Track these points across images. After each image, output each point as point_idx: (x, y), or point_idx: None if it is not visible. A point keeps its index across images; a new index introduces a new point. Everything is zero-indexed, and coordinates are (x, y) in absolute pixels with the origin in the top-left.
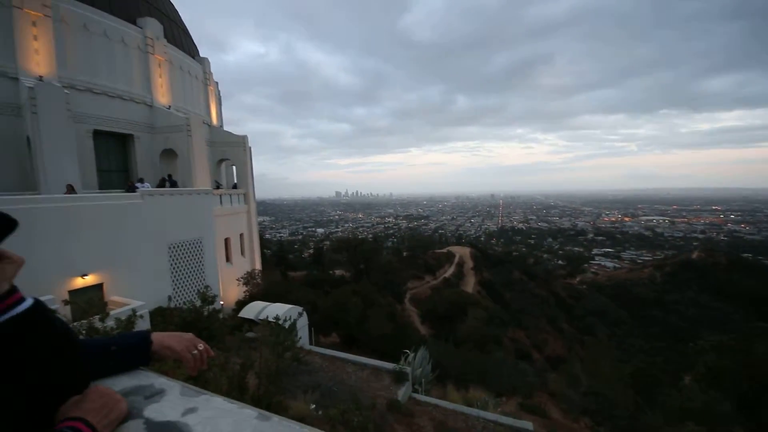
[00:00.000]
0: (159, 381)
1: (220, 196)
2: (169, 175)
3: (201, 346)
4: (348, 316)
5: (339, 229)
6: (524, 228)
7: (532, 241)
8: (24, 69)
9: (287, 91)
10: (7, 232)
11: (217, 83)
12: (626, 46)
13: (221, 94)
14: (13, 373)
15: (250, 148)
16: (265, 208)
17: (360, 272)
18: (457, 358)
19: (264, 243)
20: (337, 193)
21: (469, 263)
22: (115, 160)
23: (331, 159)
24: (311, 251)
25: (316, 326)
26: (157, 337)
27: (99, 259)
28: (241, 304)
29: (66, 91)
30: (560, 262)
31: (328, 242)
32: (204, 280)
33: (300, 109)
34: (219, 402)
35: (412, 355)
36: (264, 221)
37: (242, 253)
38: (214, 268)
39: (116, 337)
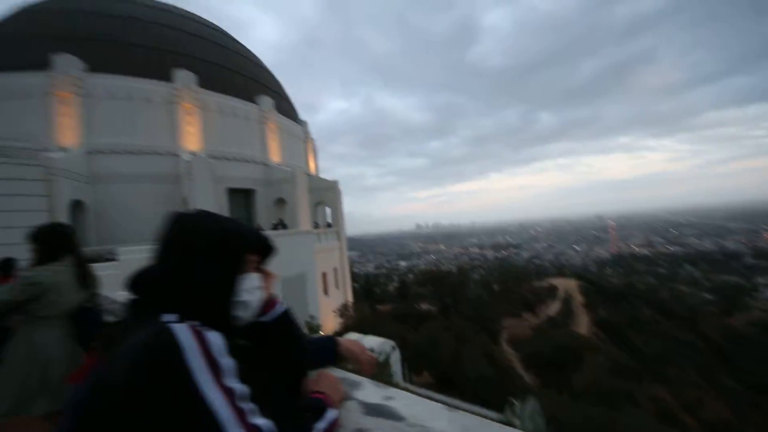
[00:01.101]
0: (350, 375)
1: (318, 234)
2: (281, 220)
3: (370, 353)
4: (440, 353)
5: (421, 262)
6: (649, 253)
7: (663, 270)
8: (182, 147)
9: (367, 136)
10: (271, 255)
11: (313, 139)
12: (754, 24)
13: (316, 147)
14: (285, 352)
15: (340, 190)
16: (351, 243)
17: (446, 306)
18: (578, 414)
19: (353, 277)
20: (418, 226)
21: (578, 298)
22: (242, 210)
23: (409, 193)
24: (396, 284)
25: (406, 362)
26: (340, 340)
27: None
28: (337, 335)
29: (210, 160)
30: (709, 295)
31: (411, 275)
32: (308, 310)
33: (379, 151)
34: (407, 394)
35: (519, 405)
36: (351, 256)
37: (336, 286)
38: (316, 300)
39: (310, 338)
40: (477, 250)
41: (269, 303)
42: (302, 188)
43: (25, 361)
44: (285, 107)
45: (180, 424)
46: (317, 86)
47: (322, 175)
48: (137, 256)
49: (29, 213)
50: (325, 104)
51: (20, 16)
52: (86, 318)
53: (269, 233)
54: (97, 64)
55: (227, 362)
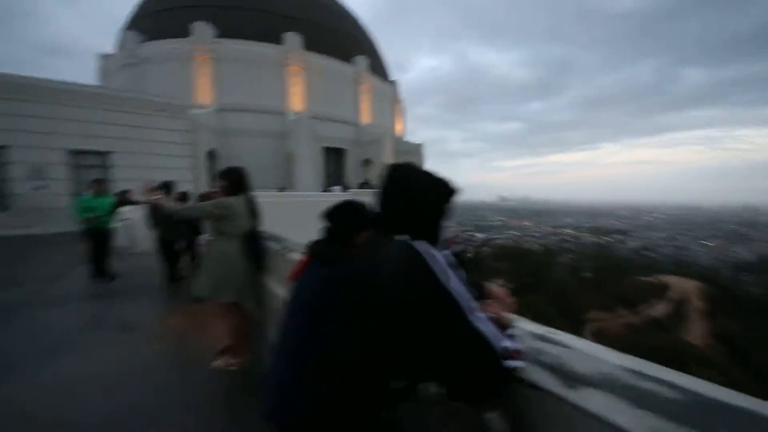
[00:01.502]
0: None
1: None
2: (367, 180)
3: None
4: None
5: (501, 236)
6: None
7: None
8: (288, 108)
9: (455, 97)
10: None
11: (402, 100)
12: None
13: (404, 108)
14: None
15: (423, 154)
16: None
17: (526, 286)
18: None
19: None
20: (502, 198)
21: (696, 303)
22: (334, 168)
23: (495, 161)
24: (470, 255)
25: None
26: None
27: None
28: None
29: (311, 120)
30: None
31: (488, 248)
32: None
33: (466, 114)
34: (564, 333)
35: None
36: None
37: None
38: None
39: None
40: (571, 232)
41: (451, 241)
42: (388, 150)
43: (218, 263)
44: (378, 67)
45: (433, 309)
46: (408, 43)
47: (407, 138)
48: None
49: (178, 158)
50: (413, 62)
51: None
52: (253, 239)
53: (356, 191)
54: (225, 30)
55: (452, 269)
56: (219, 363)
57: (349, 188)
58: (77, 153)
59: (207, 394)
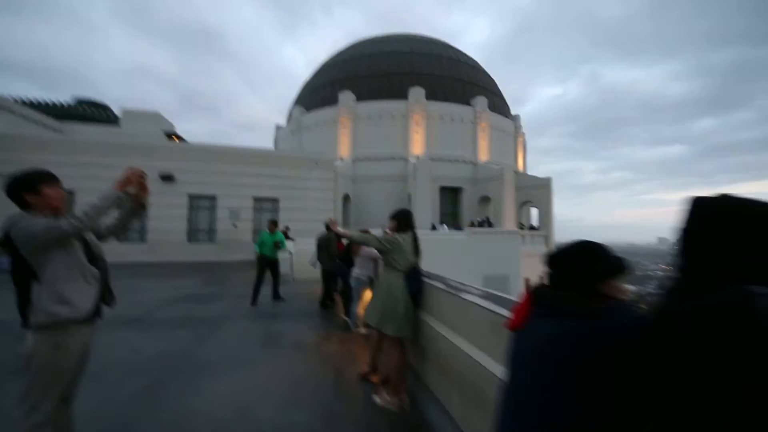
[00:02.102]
0: None
1: (523, 236)
2: (487, 218)
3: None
4: None
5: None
6: None
7: None
8: (410, 152)
9: (586, 123)
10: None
11: (524, 134)
12: None
13: (526, 142)
14: None
15: (552, 189)
16: None
17: None
18: None
19: None
20: (662, 240)
21: None
22: (449, 207)
23: (649, 194)
24: None
25: None
26: None
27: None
28: None
29: (430, 162)
30: None
31: (643, 306)
32: None
33: (603, 140)
34: None
35: None
36: None
37: None
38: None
39: None
40: None
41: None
42: (509, 186)
43: (384, 294)
44: (498, 104)
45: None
46: (526, 76)
47: (529, 173)
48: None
49: (325, 201)
50: (532, 94)
51: (321, 69)
52: (414, 275)
53: (473, 230)
54: (363, 94)
55: None
56: (379, 400)
57: (461, 227)
58: (258, 200)
59: (371, 427)
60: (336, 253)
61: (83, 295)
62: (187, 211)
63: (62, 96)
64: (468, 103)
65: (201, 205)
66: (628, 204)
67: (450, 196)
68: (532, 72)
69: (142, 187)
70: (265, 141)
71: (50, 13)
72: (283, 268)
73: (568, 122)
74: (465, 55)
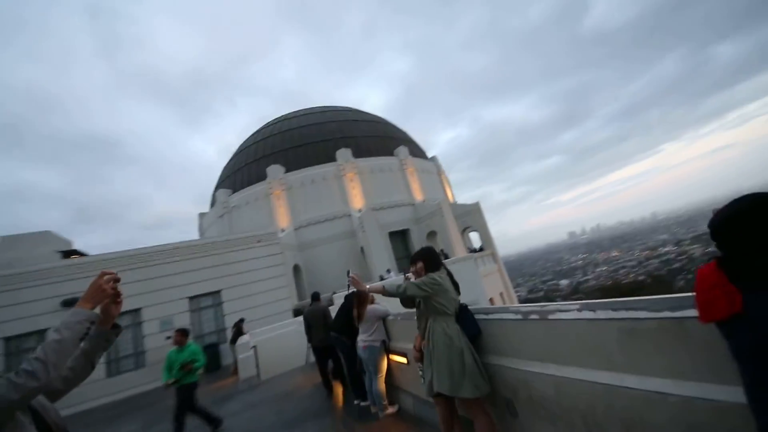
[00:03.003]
0: None
1: (475, 259)
2: (442, 250)
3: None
4: None
5: (590, 277)
6: None
7: None
8: (351, 207)
9: (483, 155)
10: None
11: (444, 171)
12: None
13: (448, 178)
14: None
15: (482, 210)
16: None
17: None
18: None
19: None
20: (571, 234)
21: None
22: (400, 249)
23: (549, 199)
24: None
25: None
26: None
27: None
28: None
29: (373, 212)
30: None
31: (582, 295)
32: None
33: (499, 165)
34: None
35: None
36: None
37: None
38: None
39: None
40: (673, 248)
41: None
42: (449, 217)
43: (445, 348)
44: (415, 150)
45: None
46: (424, 128)
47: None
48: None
49: (275, 278)
50: (434, 140)
51: (242, 149)
52: (468, 315)
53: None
54: (291, 165)
55: None
56: None
57: (390, 273)
58: (194, 298)
59: None
60: (338, 324)
61: None
62: None
63: None
64: (392, 154)
65: (120, 323)
66: (535, 211)
67: (399, 239)
68: (427, 123)
69: (117, 296)
70: (184, 236)
71: None
72: (246, 370)
73: (469, 157)
74: (380, 117)
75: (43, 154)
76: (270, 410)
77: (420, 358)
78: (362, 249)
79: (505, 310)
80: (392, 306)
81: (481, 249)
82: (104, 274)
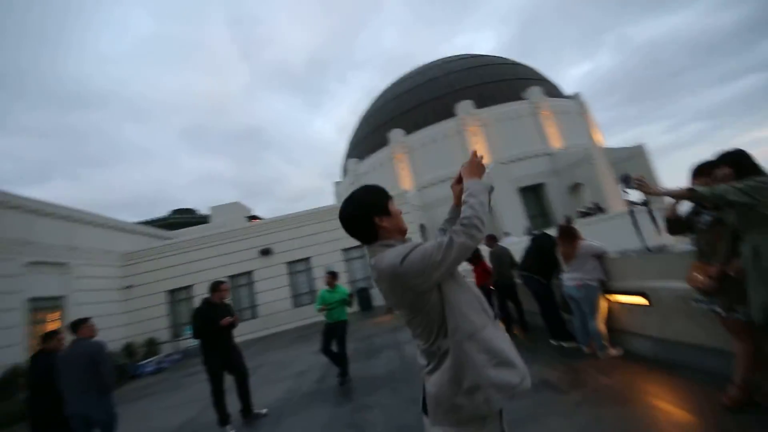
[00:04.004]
0: None
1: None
2: (596, 204)
3: None
4: None
5: None
6: None
7: None
8: None
9: (634, 87)
10: None
11: (589, 110)
12: None
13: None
14: None
15: (648, 154)
16: None
17: None
18: None
19: None
20: None
21: None
22: (534, 206)
23: (741, 136)
24: None
25: None
26: None
27: None
28: None
29: (500, 165)
30: None
31: None
32: None
33: (660, 97)
34: None
35: None
36: None
37: None
38: None
39: None
40: None
41: None
42: (601, 165)
43: None
44: (551, 89)
45: None
46: (549, 66)
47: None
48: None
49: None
50: (562, 80)
51: (364, 119)
52: None
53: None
54: (410, 127)
55: None
56: None
57: (537, 229)
58: (346, 250)
59: None
60: (530, 264)
61: (512, 347)
62: (287, 277)
63: (160, 212)
64: (521, 98)
65: (297, 269)
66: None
67: (531, 196)
68: (553, 60)
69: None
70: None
71: (128, 158)
72: None
73: (612, 93)
74: (500, 57)
75: (216, 146)
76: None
77: (716, 288)
78: (490, 207)
79: None
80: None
81: (645, 204)
82: (476, 153)
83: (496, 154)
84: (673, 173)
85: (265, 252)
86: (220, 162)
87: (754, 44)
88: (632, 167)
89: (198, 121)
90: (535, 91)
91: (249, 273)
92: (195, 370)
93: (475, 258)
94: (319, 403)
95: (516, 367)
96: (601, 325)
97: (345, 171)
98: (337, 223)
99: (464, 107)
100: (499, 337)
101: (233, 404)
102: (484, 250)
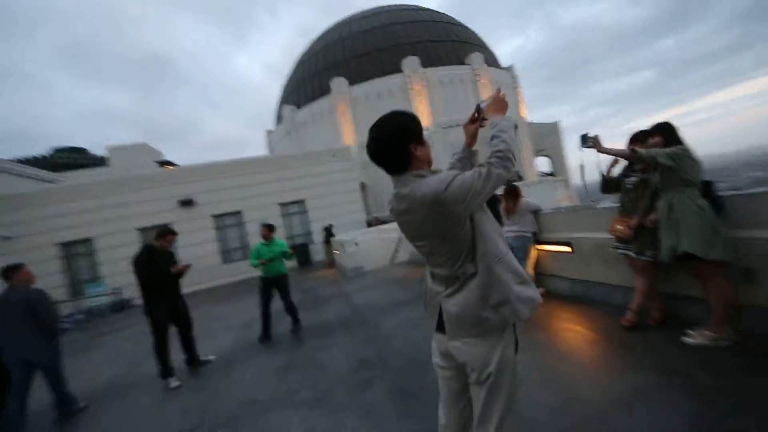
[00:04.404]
0: None
1: (555, 182)
2: (517, 172)
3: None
4: None
5: None
6: None
7: None
8: None
9: (554, 69)
10: None
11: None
12: None
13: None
14: None
15: (561, 132)
16: None
17: None
18: None
19: None
20: None
21: None
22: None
23: (628, 123)
24: None
25: None
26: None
27: None
28: None
29: (441, 129)
30: None
31: None
32: None
33: (576, 81)
34: None
35: None
36: None
37: None
38: None
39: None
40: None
41: None
42: (524, 138)
43: (698, 216)
44: (489, 59)
45: None
46: (484, 35)
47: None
48: None
49: (349, 193)
50: (496, 49)
51: (302, 61)
52: (711, 189)
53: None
54: (354, 77)
55: None
56: (696, 340)
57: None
58: (284, 205)
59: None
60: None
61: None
62: (214, 231)
63: (38, 150)
64: (464, 63)
65: (227, 223)
66: (609, 138)
67: (465, 161)
68: (488, 29)
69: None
70: (239, 155)
71: None
72: (353, 261)
73: (537, 71)
74: (447, 15)
75: (109, 74)
76: (389, 291)
77: (632, 236)
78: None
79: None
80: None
81: (551, 174)
82: (499, 90)
83: (437, 116)
84: (575, 151)
85: (187, 203)
86: (117, 95)
87: (654, 41)
88: (548, 142)
89: (83, 36)
90: (476, 58)
91: (167, 225)
92: (107, 329)
93: None
94: (271, 349)
95: (533, 286)
96: (530, 270)
97: (279, 118)
98: (275, 175)
99: (411, 63)
100: (516, 261)
101: (174, 358)
102: None
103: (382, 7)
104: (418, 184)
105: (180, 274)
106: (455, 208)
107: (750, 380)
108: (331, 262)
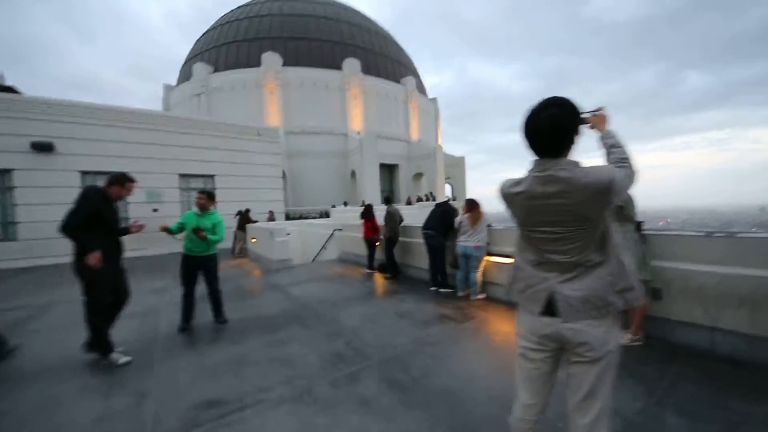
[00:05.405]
0: None
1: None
2: (431, 193)
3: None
4: None
5: None
6: None
7: None
8: (349, 128)
9: (457, 112)
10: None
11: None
12: None
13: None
14: None
15: (465, 166)
16: None
17: None
18: None
19: None
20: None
21: None
22: (386, 183)
23: (499, 173)
24: None
25: None
26: None
27: None
28: None
29: (373, 139)
30: None
31: None
32: None
33: (472, 128)
34: None
35: None
36: None
37: None
38: None
39: None
40: None
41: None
42: (440, 163)
43: (634, 247)
44: (420, 86)
45: None
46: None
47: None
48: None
49: (273, 178)
50: None
51: (230, 21)
52: (640, 227)
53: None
54: (290, 58)
55: None
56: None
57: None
58: (185, 176)
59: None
60: (436, 225)
61: None
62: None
63: None
64: (399, 82)
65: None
66: (483, 181)
67: (386, 173)
68: (415, 59)
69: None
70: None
71: None
72: (282, 253)
73: (446, 109)
74: (388, 33)
75: None
76: (331, 286)
77: None
78: (353, 173)
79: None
80: None
81: (454, 199)
82: (605, 108)
83: (369, 125)
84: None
85: (43, 147)
86: None
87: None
88: (454, 172)
89: None
90: (410, 81)
91: (4, 172)
92: None
93: (368, 213)
94: (200, 342)
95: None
96: (479, 277)
97: (187, 75)
98: (178, 139)
99: (351, 65)
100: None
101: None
102: (381, 209)
103: (326, 1)
104: (584, 170)
105: (129, 232)
106: (614, 198)
107: (661, 369)
108: (241, 252)
